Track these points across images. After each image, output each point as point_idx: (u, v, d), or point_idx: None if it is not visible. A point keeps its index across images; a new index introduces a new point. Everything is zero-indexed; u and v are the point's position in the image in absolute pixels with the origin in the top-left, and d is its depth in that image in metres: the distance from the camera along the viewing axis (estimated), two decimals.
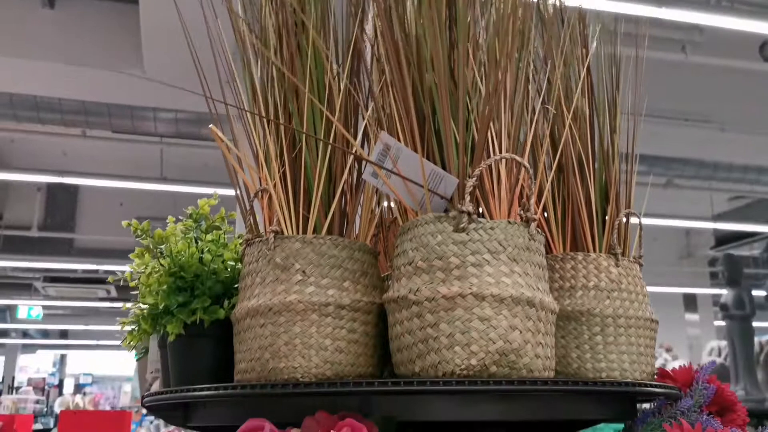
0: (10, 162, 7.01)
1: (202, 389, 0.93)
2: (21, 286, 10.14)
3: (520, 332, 0.89)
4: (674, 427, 0.89)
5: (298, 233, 1.01)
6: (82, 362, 16.33)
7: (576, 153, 1.17)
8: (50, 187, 7.76)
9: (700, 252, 9.27)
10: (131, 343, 1.17)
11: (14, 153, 7.05)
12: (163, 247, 1.10)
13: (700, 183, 6.29)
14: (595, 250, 1.15)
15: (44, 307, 11.00)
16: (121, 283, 1.23)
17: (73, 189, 7.96)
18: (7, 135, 6.47)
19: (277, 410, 0.88)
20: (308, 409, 0.87)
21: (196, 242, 1.11)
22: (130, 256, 1.14)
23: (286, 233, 1.01)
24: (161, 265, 1.08)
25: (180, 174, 6.00)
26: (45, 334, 14.56)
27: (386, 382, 0.85)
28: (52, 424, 12.10)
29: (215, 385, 0.92)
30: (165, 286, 1.08)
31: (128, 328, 1.18)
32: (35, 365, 16.54)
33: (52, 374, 15.42)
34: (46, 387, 13.60)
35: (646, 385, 0.95)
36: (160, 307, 1.07)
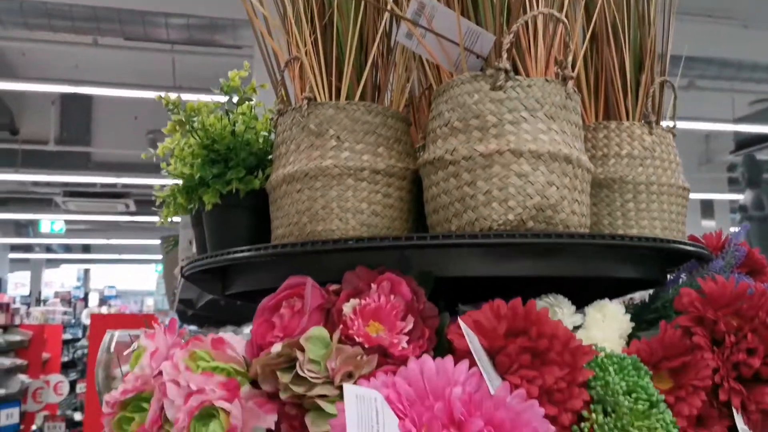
0: (22, 74, 6.97)
1: (242, 251, 0.95)
2: (42, 201, 10.28)
3: (557, 188, 0.89)
4: (707, 281, 0.90)
5: (331, 100, 1.00)
6: (106, 276, 16.70)
7: (611, 19, 1.15)
8: (64, 100, 7.73)
9: (719, 158, 9.17)
10: (168, 217, 1.19)
11: (26, 66, 7.00)
12: (195, 120, 1.10)
13: (722, 84, 6.16)
14: (628, 119, 1.14)
15: (66, 222, 11.17)
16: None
17: (87, 102, 7.94)
18: (18, 46, 6.41)
19: (315, 270, 0.90)
20: (347, 268, 0.89)
21: (228, 115, 1.11)
22: (164, 130, 1.14)
23: (319, 100, 1.00)
24: (194, 137, 1.09)
25: (193, 83, 5.95)
26: (68, 248, 14.86)
27: (425, 236, 0.86)
28: (80, 334, 12.52)
29: (255, 246, 0.94)
30: (199, 159, 1.09)
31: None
32: (60, 280, 16.97)
33: (77, 288, 15.82)
34: (72, 300, 13.99)
35: (678, 243, 0.96)
36: (196, 178, 1.08)
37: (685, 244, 0.97)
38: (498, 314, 0.80)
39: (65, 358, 11.18)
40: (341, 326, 0.82)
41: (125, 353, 1.01)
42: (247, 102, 1.13)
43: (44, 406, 8.25)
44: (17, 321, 9.35)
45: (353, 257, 0.92)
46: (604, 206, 1.11)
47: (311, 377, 0.78)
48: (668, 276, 1.10)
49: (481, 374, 0.69)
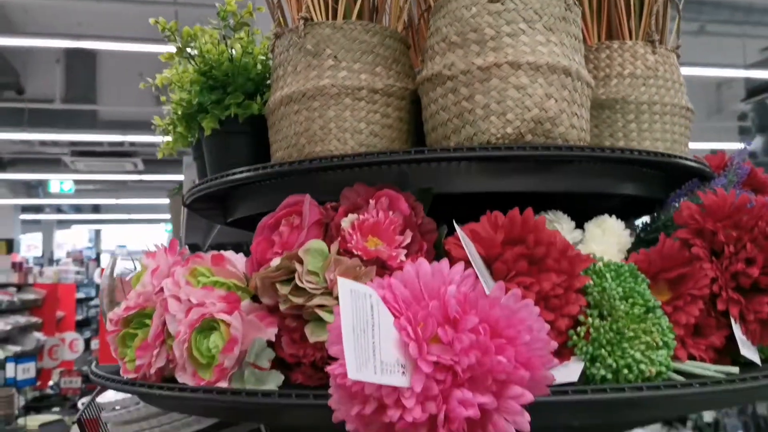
0: (24, 31, 6.91)
1: (241, 171, 0.95)
2: (50, 161, 10.30)
3: (556, 101, 0.88)
4: (708, 194, 0.90)
5: (327, 20, 0.99)
6: (116, 237, 16.81)
7: None
8: (68, 58, 7.68)
9: (730, 107, 9.06)
10: (171, 147, 1.19)
11: (28, 23, 6.94)
12: (192, 47, 1.09)
13: (732, 29, 6.04)
14: (631, 39, 1.12)
15: (75, 182, 11.21)
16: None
17: (91, 60, 7.88)
18: (20, 3, 6.35)
19: (314, 190, 0.90)
20: (345, 187, 0.89)
21: (225, 41, 1.10)
22: (161, 57, 1.14)
23: (315, 20, 0.99)
24: (192, 64, 1.08)
25: None
26: (78, 209, 14.94)
27: (422, 150, 0.86)
28: (93, 293, 12.67)
29: (254, 166, 0.94)
30: (197, 86, 1.08)
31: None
32: (71, 241, 17.10)
33: (89, 248, 15.95)
34: (85, 260, 14.12)
35: (679, 158, 0.95)
36: (194, 104, 1.08)
37: (686, 159, 0.97)
38: (495, 224, 0.80)
39: (79, 317, 11.34)
40: (339, 240, 0.83)
41: (128, 278, 1.02)
42: (244, 27, 1.12)
43: (60, 363, 8.41)
44: (30, 280, 9.47)
45: (351, 175, 0.92)
46: (606, 127, 1.09)
47: (310, 288, 0.79)
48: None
49: (476, 276, 0.69)
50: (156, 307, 0.85)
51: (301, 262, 0.80)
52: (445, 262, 0.69)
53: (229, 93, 1.07)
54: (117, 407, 1.30)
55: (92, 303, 12.47)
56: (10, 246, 10.72)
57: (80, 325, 11.03)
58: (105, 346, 4.68)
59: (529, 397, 0.64)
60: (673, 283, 0.86)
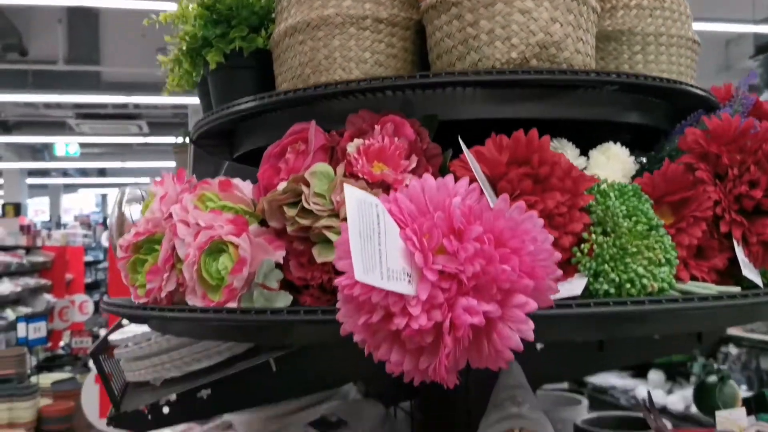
0: None
1: (246, 101, 0.95)
2: (55, 124, 10.29)
3: (561, 25, 0.88)
4: (713, 119, 0.90)
5: None
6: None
7: None
8: (71, 18, 7.63)
9: (739, 64, 8.95)
10: (175, 83, 1.19)
11: None
12: None
13: None
14: None
15: (81, 145, 11.20)
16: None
17: (94, 20, 7.82)
18: None
19: (320, 119, 0.90)
20: (351, 114, 0.89)
21: None
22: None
23: None
24: None
25: None
26: (84, 173, 14.97)
27: (427, 74, 0.86)
28: (101, 257, 12.76)
29: (259, 95, 0.94)
30: (201, 20, 1.08)
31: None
32: (78, 206, 17.18)
33: (96, 213, 16.02)
34: (92, 224, 14.19)
35: (685, 85, 0.95)
36: (199, 37, 1.08)
37: (692, 87, 0.96)
38: (500, 146, 0.81)
39: (88, 280, 11.45)
40: (345, 164, 0.84)
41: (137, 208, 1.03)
42: None
43: (70, 324, 8.51)
44: (39, 243, 9.53)
45: (356, 104, 0.92)
46: (612, 59, 1.09)
47: (317, 210, 0.80)
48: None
49: (481, 190, 0.70)
50: (165, 232, 0.86)
51: (307, 184, 0.81)
52: (450, 177, 0.69)
53: (234, 26, 1.07)
54: (129, 344, 1.32)
55: (101, 266, 12.57)
56: (18, 210, 10.76)
57: (89, 288, 11.13)
58: (114, 284, 4.72)
59: (533, 305, 0.65)
60: (677, 207, 0.86)
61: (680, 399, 4.87)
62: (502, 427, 0.98)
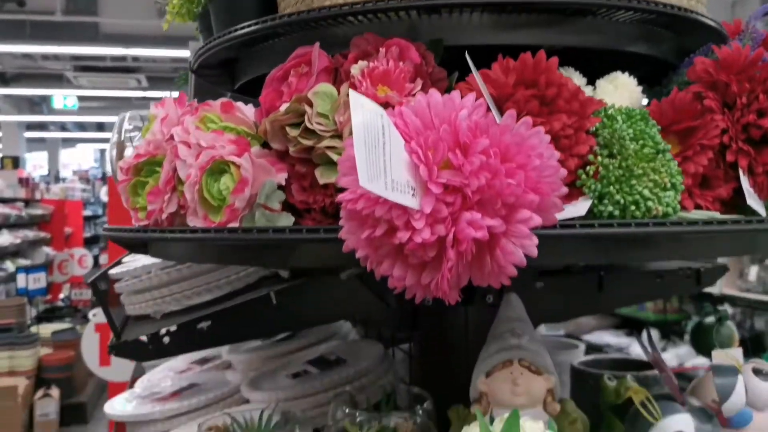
0: None
1: (249, 25, 0.94)
2: (53, 76, 10.20)
3: None
4: (723, 49, 0.88)
5: None
6: None
7: None
8: None
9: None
10: (175, 11, 1.17)
11: None
12: None
13: None
14: None
15: (79, 99, 11.12)
16: None
17: None
18: None
19: (324, 45, 0.89)
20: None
21: None
22: None
23: None
24: None
25: None
26: (82, 127, 14.88)
27: None
28: (100, 212, 12.77)
29: (262, 18, 0.93)
30: None
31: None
32: (77, 161, 17.13)
33: (95, 168, 15.98)
34: (91, 178, 14.17)
35: (695, 13, 0.93)
36: None
37: (702, 16, 0.95)
38: (507, 68, 0.79)
39: (87, 234, 11.46)
40: (349, 86, 0.82)
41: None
42: None
43: (69, 278, 8.55)
44: (38, 196, 9.52)
45: (361, 28, 0.90)
46: None
47: (320, 130, 0.79)
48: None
49: (488, 106, 0.69)
50: (166, 154, 0.85)
51: (310, 104, 0.80)
52: (456, 93, 0.68)
53: None
54: (128, 278, 1.32)
55: (99, 221, 12.58)
56: (16, 163, 10.72)
57: (88, 243, 11.14)
58: (113, 213, 4.70)
59: (537, 220, 0.65)
60: (683, 136, 0.86)
61: (674, 357, 4.93)
62: (500, 357, 0.99)
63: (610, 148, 0.75)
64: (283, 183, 0.82)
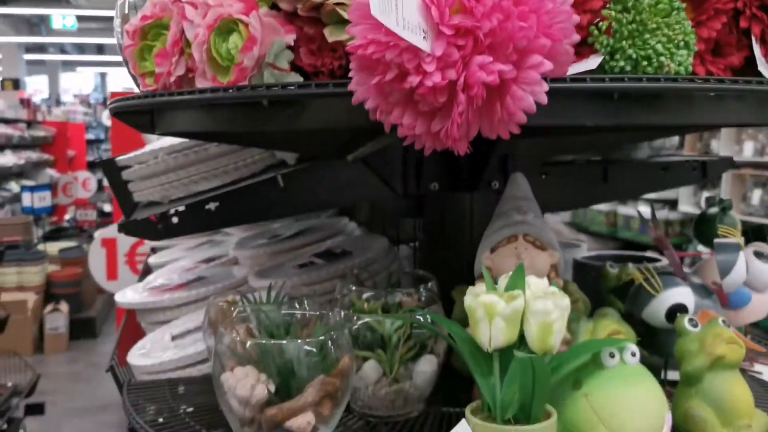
0: None
1: None
2: None
3: None
4: None
5: None
6: (123, 80, 16.63)
7: None
8: None
9: None
10: None
11: None
12: None
13: None
14: None
15: (78, 20, 10.92)
16: None
17: None
18: None
19: None
20: None
21: None
22: None
23: None
24: None
25: None
26: (82, 50, 14.67)
27: None
28: (102, 136, 12.73)
29: None
30: None
31: None
32: (77, 86, 16.96)
33: (96, 91, 15.84)
34: (92, 102, 14.06)
35: None
36: None
37: None
38: None
39: (90, 158, 11.46)
40: None
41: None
42: None
43: (74, 200, 8.59)
44: (40, 118, 9.48)
45: None
46: None
47: None
48: None
49: None
50: (173, 15, 0.84)
51: None
52: None
53: None
54: (135, 164, 1.33)
55: (102, 147, 12.56)
56: (17, 86, 10.63)
57: (92, 166, 11.14)
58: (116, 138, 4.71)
59: (548, 65, 0.65)
60: (697, 3, 0.84)
61: None
62: (505, 233, 1.00)
63: (624, 2, 0.74)
64: (292, 44, 0.81)
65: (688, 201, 5.77)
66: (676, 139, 1.44)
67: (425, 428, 0.95)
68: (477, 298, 0.74)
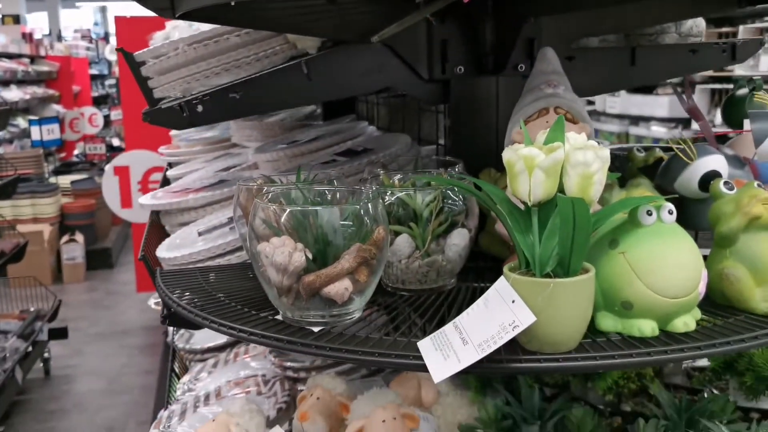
0: None
1: None
2: None
3: None
4: None
5: None
6: (125, 14, 16.34)
7: None
8: None
9: None
10: None
11: None
12: None
13: None
14: None
15: None
16: None
17: None
18: None
19: None
20: None
21: None
22: None
23: None
24: None
25: None
26: None
27: None
28: (106, 71, 12.59)
29: None
30: None
31: None
32: (77, 23, 16.67)
33: (96, 25, 15.61)
34: (94, 37, 13.86)
35: None
36: None
37: None
38: None
39: (95, 93, 11.37)
40: None
41: None
42: None
43: (81, 136, 8.57)
44: (42, 52, 9.36)
45: None
46: None
47: None
48: None
49: None
50: None
51: None
52: None
53: None
54: (150, 58, 1.31)
55: (107, 82, 12.43)
56: (17, 21, 10.45)
57: (97, 102, 11.07)
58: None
59: None
60: None
61: None
62: (536, 106, 0.99)
63: None
64: None
65: None
66: (702, 26, 1.41)
67: (457, 301, 0.96)
68: (516, 151, 0.74)
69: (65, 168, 7.28)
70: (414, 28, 1.16)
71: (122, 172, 4.39)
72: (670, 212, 0.80)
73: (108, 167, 4.44)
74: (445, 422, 1.16)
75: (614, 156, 1.38)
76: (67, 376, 3.87)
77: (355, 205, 0.87)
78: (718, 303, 0.88)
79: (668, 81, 1.17)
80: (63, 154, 8.58)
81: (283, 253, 0.84)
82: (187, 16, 1.03)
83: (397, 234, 0.97)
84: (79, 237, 5.46)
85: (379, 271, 0.89)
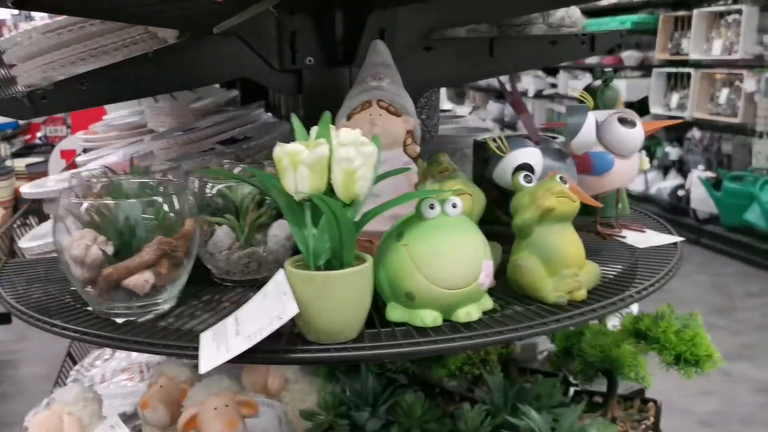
0: None
1: None
2: None
3: None
4: None
5: None
6: None
7: None
8: None
9: None
10: None
11: None
12: None
13: None
14: None
15: None
16: None
17: None
18: None
19: None
20: None
21: None
22: None
23: None
24: None
25: None
26: None
27: None
28: None
29: None
30: None
31: None
32: None
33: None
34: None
35: None
36: None
37: None
38: None
39: None
40: None
41: None
42: None
43: (46, 118, 8.46)
44: None
45: None
46: None
47: None
48: None
49: None
50: None
51: None
52: None
53: None
54: (10, 46, 1.31)
55: None
56: None
57: None
58: None
59: None
60: None
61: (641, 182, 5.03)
62: (360, 99, 1.00)
63: None
64: None
65: (658, 102, 5.74)
66: (576, 16, 1.42)
67: None
68: (283, 147, 0.75)
69: (26, 150, 7.20)
70: (264, 19, 1.17)
71: (68, 155, 4.36)
72: (454, 206, 0.82)
73: (55, 150, 4.41)
74: (293, 409, 1.18)
75: (479, 144, 1.41)
76: (11, 361, 3.87)
77: (157, 198, 0.88)
78: (517, 293, 0.91)
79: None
80: (28, 137, 8.48)
81: (79, 246, 0.85)
82: (30, 6, 1.03)
83: (218, 225, 0.98)
84: (33, 221, 5.43)
85: (188, 263, 0.90)
